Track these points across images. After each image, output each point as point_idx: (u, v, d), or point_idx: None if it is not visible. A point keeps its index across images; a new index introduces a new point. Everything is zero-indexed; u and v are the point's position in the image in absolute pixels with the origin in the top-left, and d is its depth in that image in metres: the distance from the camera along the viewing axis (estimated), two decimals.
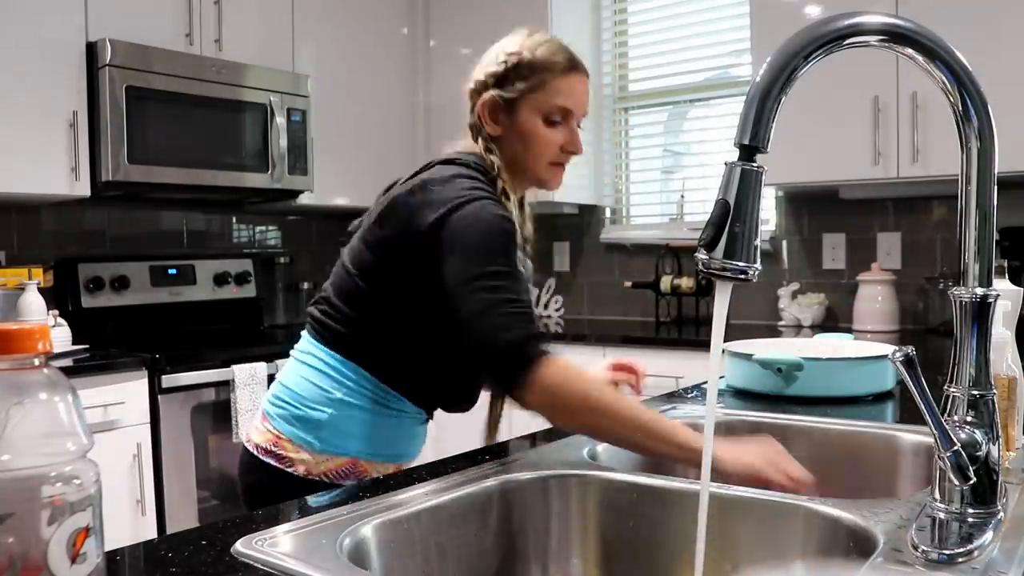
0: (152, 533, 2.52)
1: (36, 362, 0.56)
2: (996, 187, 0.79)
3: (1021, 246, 2.63)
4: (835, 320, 3.21)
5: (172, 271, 3.18)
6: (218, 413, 2.69)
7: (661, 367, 2.90)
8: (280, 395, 1.38)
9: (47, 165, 2.64)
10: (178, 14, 2.94)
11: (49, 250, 2.98)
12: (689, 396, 1.59)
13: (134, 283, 3.05)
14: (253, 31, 3.16)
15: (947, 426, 0.77)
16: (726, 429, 1.37)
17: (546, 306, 3.94)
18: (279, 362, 2.80)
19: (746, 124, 0.74)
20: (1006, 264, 1.18)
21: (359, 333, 1.35)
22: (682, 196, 3.69)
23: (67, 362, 2.47)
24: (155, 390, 2.55)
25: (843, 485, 1.26)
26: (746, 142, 0.74)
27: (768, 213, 3.39)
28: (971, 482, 0.77)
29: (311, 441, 1.32)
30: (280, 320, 3.67)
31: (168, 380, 2.56)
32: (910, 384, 0.76)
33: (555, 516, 1.06)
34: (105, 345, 2.75)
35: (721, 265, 0.74)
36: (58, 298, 2.90)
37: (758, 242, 0.74)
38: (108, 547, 0.64)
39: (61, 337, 2.64)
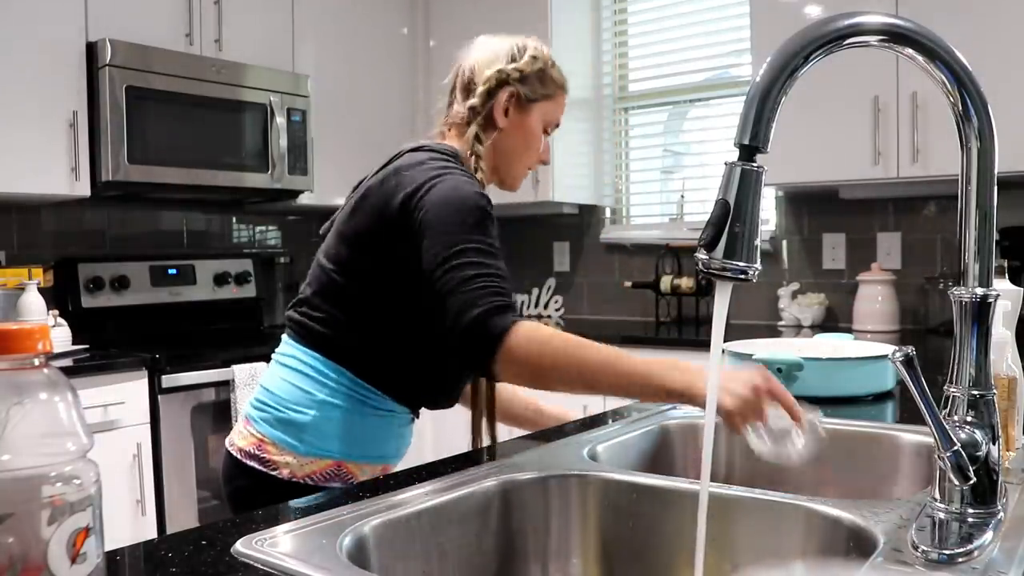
0: (152, 533, 2.52)
1: (36, 362, 0.56)
2: (996, 187, 0.79)
3: (1021, 246, 2.63)
4: (835, 320, 3.21)
5: (172, 271, 3.18)
6: (218, 413, 2.69)
7: None
8: (262, 398, 1.37)
9: (47, 165, 2.64)
10: (178, 14, 2.94)
11: (49, 250, 2.98)
12: None
13: (134, 283, 3.05)
14: (253, 31, 3.16)
15: (947, 426, 0.77)
16: (726, 429, 1.37)
17: (546, 306, 3.94)
18: None
19: (746, 124, 0.74)
20: (1006, 264, 1.18)
21: (339, 330, 1.33)
22: (682, 196, 3.69)
23: (67, 362, 2.47)
24: (155, 390, 2.55)
25: (843, 485, 1.26)
26: (746, 142, 0.74)
27: (768, 213, 3.39)
28: (971, 482, 0.77)
29: (294, 444, 1.31)
30: (280, 320, 3.64)
31: (168, 380, 2.56)
32: (910, 384, 0.76)
33: (555, 516, 1.06)
34: (105, 345, 2.75)
35: (721, 265, 0.74)
36: (58, 298, 2.90)
37: (758, 242, 0.74)
38: (108, 547, 0.64)
39: (61, 337, 2.64)
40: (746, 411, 1.08)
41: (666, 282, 3.39)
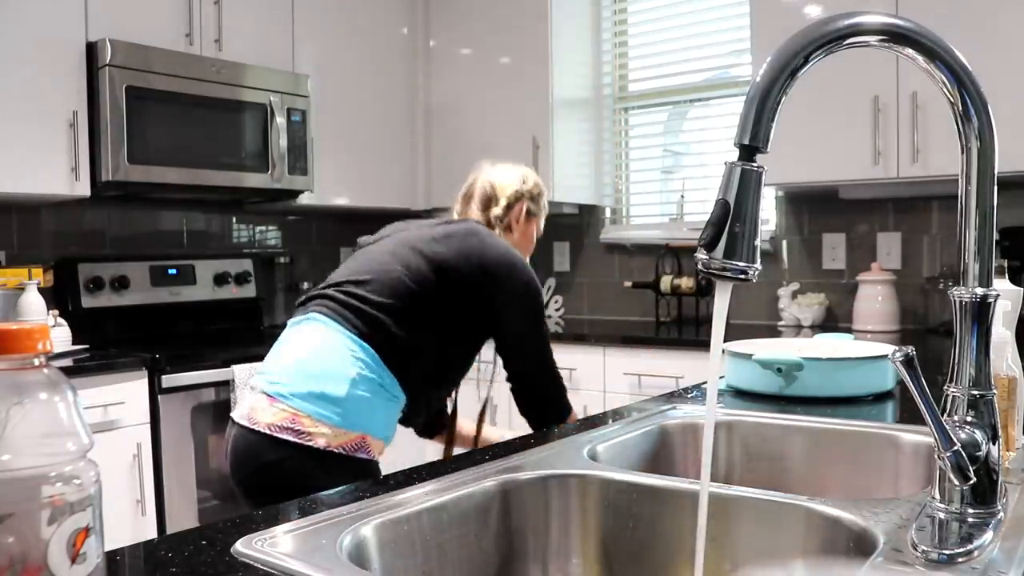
0: (152, 533, 2.52)
1: (36, 362, 0.56)
2: (996, 187, 0.79)
3: (1021, 246, 2.63)
4: (835, 320, 3.21)
5: (172, 271, 3.18)
6: (218, 413, 2.69)
7: (661, 367, 2.91)
8: (292, 374, 1.51)
9: (47, 165, 2.64)
10: (178, 14, 2.95)
11: (49, 250, 2.99)
12: (689, 396, 1.58)
13: (134, 283, 3.06)
14: (253, 31, 3.16)
15: (947, 426, 0.77)
16: (726, 429, 1.37)
17: (546, 306, 3.94)
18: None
19: (746, 124, 0.74)
20: (1006, 264, 1.18)
21: (391, 322, 1.57)
22: (682, 196, 3.69)
23: (67, 362, 2.47)
24: (155, 390, 2.55)
25: (843, 485, 1.26)
26: (746, 142, 0.74)
27: (768, 213, 3.39)
28: (971, 482, 0.77)
29: (330, 416, 1.47)
30: (280, 320, 3.67)
31: (168, 380, 2.56)
32: (910, 384, 0.76)
33: (555, 516, 1.06)
34: (105, 345, 2.75)
35: (721, 265, 0.74)
36: (58, 298, 2.90)
37: (758, 242, 0.74)
38: (108, 547, 0.64)
39: (61, 337, 2.65)
40: None
41: (666, 282, 3.39)
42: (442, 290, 1.63)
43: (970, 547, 0.74)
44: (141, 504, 2.50)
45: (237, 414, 1.59)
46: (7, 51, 2.55)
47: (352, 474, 1.46)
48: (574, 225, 3.88)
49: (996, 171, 0.79)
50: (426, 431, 1.95)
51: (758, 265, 0.74)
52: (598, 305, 3.84)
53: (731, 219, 0.73)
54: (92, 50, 2.71)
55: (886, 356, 1.53)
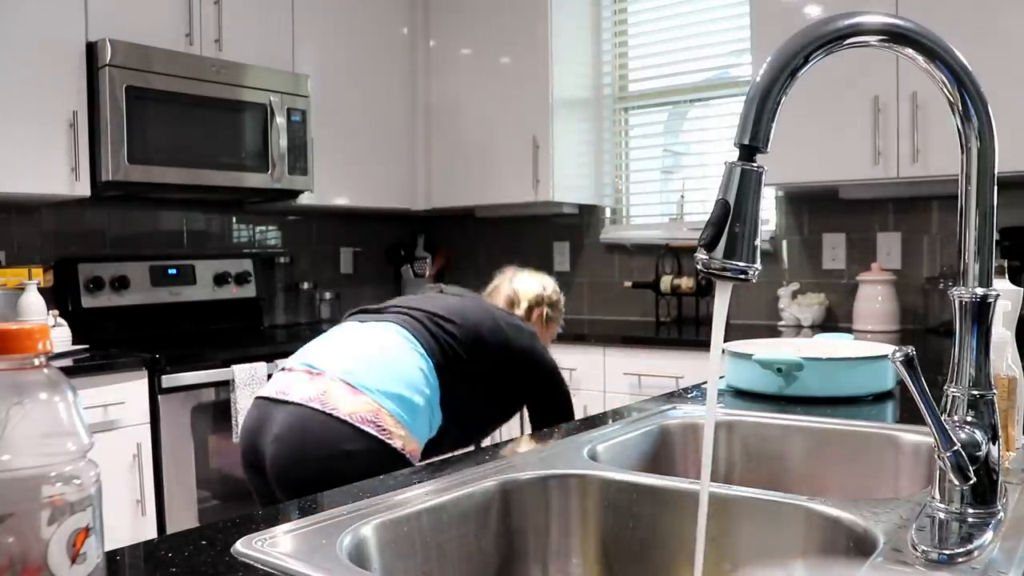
0: (152, 533, 2.53)
1: (36, 362, 0.56)
2: (996, 187, 0.79)
3: (1021, 246, 2.63)
4: (835, 320, 3.21)
5: (172, 271, 3.18)
6: (218, 413, 2.69)
7: (661, 367, 2.91)
8: (379, 373, 1.57)
9: (47, 165, 2.64)
10: (178, 14, 2.95)
11: (49, 250, 2.99)
12: (689, 396, 1.59)
13: (134, 283, 3.06)
14: (253, 31, 3.16)
15: (947, 426, 0.77)
16: (726, 429, 1.37)
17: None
18: (279, 362, 2.80)
19: (746, 124, 0.74)
20: (1006, 264, 1.18)
21: (463, 365, 1.71)
22: (682, 196, 3.69)
23: (67, 362, 2.47)
24: (155, 390, 2.55)
25: (843, 485, 1.26)
26: (746, 142, 0.74)
27: (768, 213, 3.39)
28: (971, 482, 0.77)
29: (408, 421, 1.54)
30: (280, 320, 3.67)
31: (168, 380, 2.56)
32: (910, 384, 0.76)
33: (555, 516, 1.06)
34: (105, 345, 2.75)
35: (721, 265, 0.74)
36: (58, 298, 2.90)
37: (758, 242, 0.74)
38: (108, 547, 0.64)
39: (61, 337, 2.64)
40: None
41: (666, 282, 3.39)
42: (496, 364, 1.79)
43: (970, 547, 0.74)
44: (141, 504, 2.50)
45: (298, 394, 1.57)
46: (7, 51, 2.55)
47: None
48: (574, 225, 3.88)
49: (996, 171, 0.79)
50: None
51: (758, 265, 0.74)
52: (598, 305, 3.84)
53: (731, 219, 0.73)
54: (92, 50, 2.71)
55: (886, 356, 1.53)
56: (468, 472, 1.05)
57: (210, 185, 2.98)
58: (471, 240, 4.19)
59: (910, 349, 0.76)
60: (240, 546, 0.80)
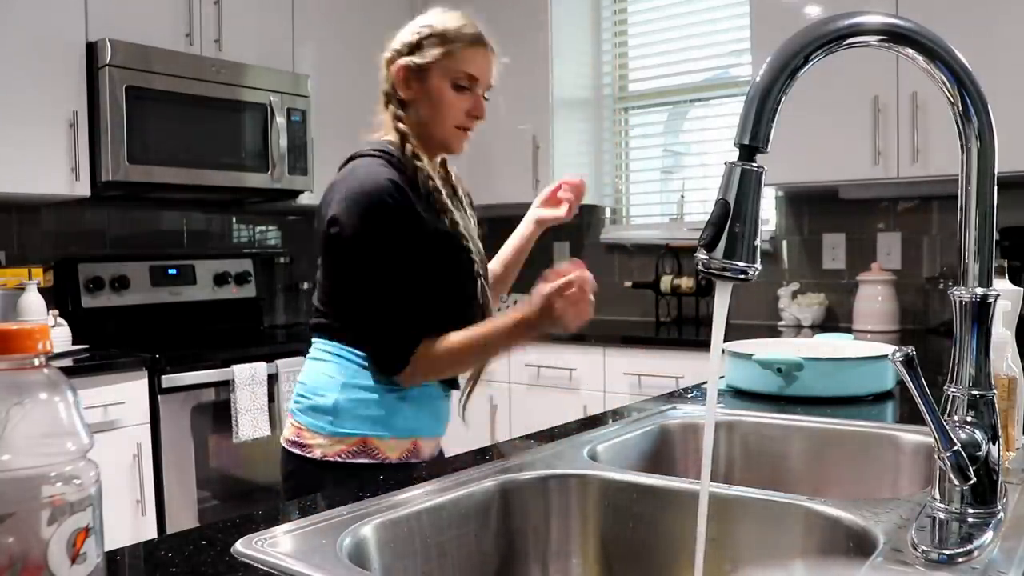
0: (152, 533, 2.53)
1: (36, 362, 0.56)
2: (996, 187, 0.79)
3: (1021, 246, 2.63)
4: (835, 320, 3.21)
5: (172, 271, 3.18)
6: (218, 413, 2.69)
7: (661, 367, 2.91)
8: (298, 391, 1.52)
9: (47, 165, 2.64)
10: (178, 14, 2.95)
11: (49, 250, 2.98)
12: (689, 396, 1.59)
13: (134, 283, 3.06)
14: (253, 31, 3.16)
15: (947, 426, 0.77)
16: (726, 429, 1.37)
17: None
18: (279, 362, 2.80)
19: (746, 124, 0.74)
20: (1006, 264, 1.18)
21: (347, 320, 1.47)
22: (682, 196, 3.69)
23: (67, 362, 2.47)
24: (155, 390, 2.55)
25: (843, 485, 1.26)
26: (746, 142, 0.74)
27: (768, 213, 3.39)
28: (971, 482, 0.77)
29: (323, 426, 1.45)
30: (280, 320, 3.67)
31: (168, 380, 2.56)
32: (910, 384, 0.76)
33: (555, 516, 1.06)
34: (105, 345, 2.75)
35: (721, 265, 0.74)
36: (58, 298, 2.90)
37: (758, 242, 0.74)
38: (108, 547, 0.64)
39: (61, 337, 2.64)
40: (575, 306, 1.51)
41: (666, 282, 3.39)
42: (329, 250, 1.49)
43: (970, 547, 0.74)
44: (141, 504, 2.50)
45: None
46: (7, 51, 2.55)
47: (357, 480, 1.42)
48: (574, 225, 3.87)
49: (996, 171, 0.79)
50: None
51: (758, 265, 0.74)
52: (598, 305, 3.80)
53: (731, 219, 0.73)
54: (92, 50, 2.71)
55: (886, 356, 1.53)
56: (468, 472, 1.05)
57: (210, 185, 2.98)
58: None
59: (910, 349, 0.76)
60: (240, 546, 0.80)
